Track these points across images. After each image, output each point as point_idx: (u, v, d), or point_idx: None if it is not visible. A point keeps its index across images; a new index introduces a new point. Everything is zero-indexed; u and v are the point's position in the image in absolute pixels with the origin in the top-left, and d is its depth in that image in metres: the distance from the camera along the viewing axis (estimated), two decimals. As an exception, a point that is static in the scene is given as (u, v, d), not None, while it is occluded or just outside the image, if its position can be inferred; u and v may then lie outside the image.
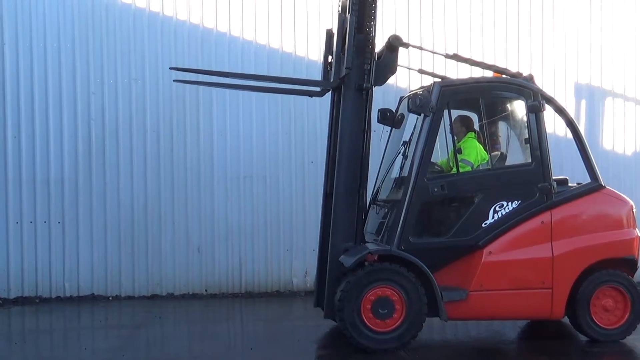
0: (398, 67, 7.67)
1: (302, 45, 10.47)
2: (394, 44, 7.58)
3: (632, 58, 11.06)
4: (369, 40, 7.42)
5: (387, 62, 7.59)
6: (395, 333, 6.99)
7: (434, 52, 8.49)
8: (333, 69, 7.67)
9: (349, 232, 7.41)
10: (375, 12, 7.48)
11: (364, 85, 7.37)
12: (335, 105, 7.80)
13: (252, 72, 10.20)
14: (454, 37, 10.64)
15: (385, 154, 8.18)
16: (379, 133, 8.21)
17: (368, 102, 7.46)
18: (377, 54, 7.59)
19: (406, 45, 7.68)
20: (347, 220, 7.41)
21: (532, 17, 10.88)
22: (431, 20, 10.68)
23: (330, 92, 7.91)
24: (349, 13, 7.44)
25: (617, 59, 11.02)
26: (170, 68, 8.84)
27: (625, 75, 11.04)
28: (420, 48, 8.20)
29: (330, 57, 7.82)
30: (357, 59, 7.36)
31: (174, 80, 8.89)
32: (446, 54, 8.19)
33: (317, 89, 8.01)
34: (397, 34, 7.75)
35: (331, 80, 7.71)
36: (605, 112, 10.96)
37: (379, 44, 7.69)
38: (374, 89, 7.51)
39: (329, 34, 7.91)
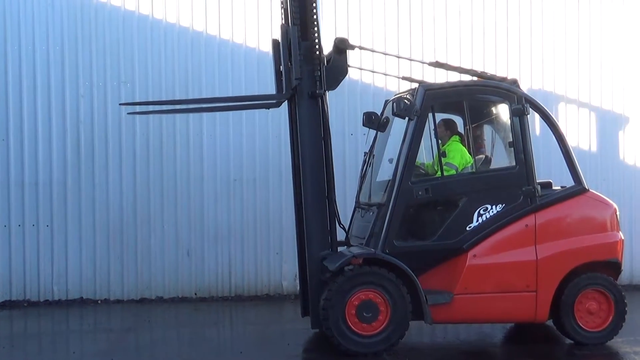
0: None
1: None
2: (340, 47, 7.56)
3: (585, 64, 10.98)
4: (315, 47, 7.34)
5: (337, 66, 7.55)
6: (382, 335, 7.00)
7: (374, 52, 8.56)
8: (284, 79, 7.57)
9: (324, 240, 7.38)
10: (317, 18, 7.39)
11: (317, 91, 7.30)
12: (292, 115, 7.73)
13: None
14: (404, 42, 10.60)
15: (369, 157, 8.11)
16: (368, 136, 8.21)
17: (324, 108, 7.40)
18: (326, 58, 7.52)
19: (352, 47, 7.67)
20: (320, 229, 7.39)
21: (485, 24, 10.80)
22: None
23: (286, 101, 7.83)
24: (291, 22, 7.35)
25: (570, 65, 10.94)
26: (120, 104, 9.44)
27: (580, 81, 10.96)
28: (363, 48, 8.14)
29: (281, 66, 7.68)
30: (306, 66, 7.28)
31: (128, 113, 9.28)
32: (430, 62, 8.23)
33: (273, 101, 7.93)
34: (343, 36, 7.82)
35: (284, 92, 7.62)
36: (559, 116, 10.74)
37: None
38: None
39: (276, 44, 7.78)
